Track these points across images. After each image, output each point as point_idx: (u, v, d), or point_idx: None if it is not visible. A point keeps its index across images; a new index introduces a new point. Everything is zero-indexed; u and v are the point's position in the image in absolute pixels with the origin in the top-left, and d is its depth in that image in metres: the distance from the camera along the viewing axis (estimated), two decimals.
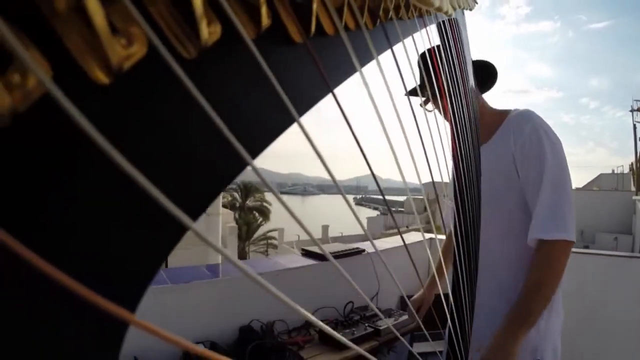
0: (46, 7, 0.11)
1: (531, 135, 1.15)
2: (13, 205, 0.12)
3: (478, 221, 0.90)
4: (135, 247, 0.15)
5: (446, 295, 0.78)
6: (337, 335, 0.24)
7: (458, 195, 0.77)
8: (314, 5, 0.20)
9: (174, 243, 0.15)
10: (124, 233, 0.14)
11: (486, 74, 1.34)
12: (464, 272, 0.80)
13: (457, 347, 0.79)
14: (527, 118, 1.20)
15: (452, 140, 0.74)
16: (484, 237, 0.99)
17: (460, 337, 0.78)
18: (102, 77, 0.12)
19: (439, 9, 0.26)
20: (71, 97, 0.10)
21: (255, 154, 0.18)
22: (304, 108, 0.21)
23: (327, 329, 0.22)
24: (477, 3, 0.66)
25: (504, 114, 1.29)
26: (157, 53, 0.13)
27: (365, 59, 0.28)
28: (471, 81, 0.82)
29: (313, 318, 0.19)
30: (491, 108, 1.33)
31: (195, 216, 0.16)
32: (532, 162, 1.14)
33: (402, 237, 0.58)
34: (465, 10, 0.73)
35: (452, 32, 0.56)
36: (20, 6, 0.11)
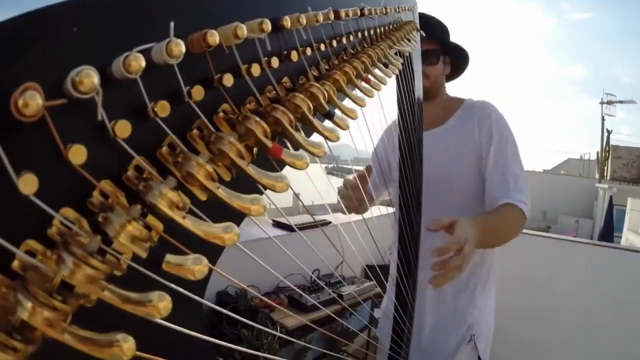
0: None
1: (498, 121, 1.25)
2: None
3: (419, 198, 1.07)
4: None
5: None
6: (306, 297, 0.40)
7: (402, 179, 0.94)
8: None
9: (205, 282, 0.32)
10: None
11: (461, 60, 1.41)
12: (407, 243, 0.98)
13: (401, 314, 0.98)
14: (492, 107, 1.29)
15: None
16: (435, 215, 1.02)
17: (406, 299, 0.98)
18: None
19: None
20: None
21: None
22: None
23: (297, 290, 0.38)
24: (415, 45, 0.77)
25: (459, 100, 1.38)
26: None
27: None
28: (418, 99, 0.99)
29: (286, 281, 0.36)
30: (447, 94, 1.41)
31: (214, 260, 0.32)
32: (500, 143, 1.22)
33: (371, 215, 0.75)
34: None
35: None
36: None
